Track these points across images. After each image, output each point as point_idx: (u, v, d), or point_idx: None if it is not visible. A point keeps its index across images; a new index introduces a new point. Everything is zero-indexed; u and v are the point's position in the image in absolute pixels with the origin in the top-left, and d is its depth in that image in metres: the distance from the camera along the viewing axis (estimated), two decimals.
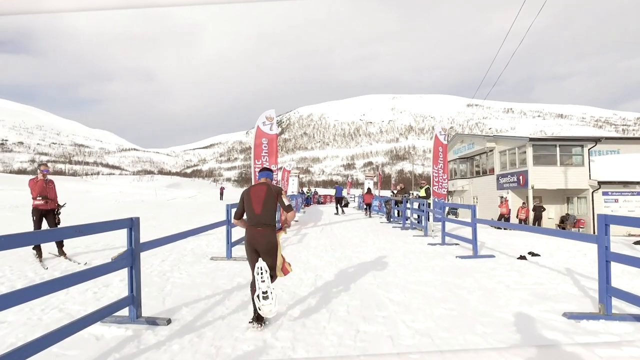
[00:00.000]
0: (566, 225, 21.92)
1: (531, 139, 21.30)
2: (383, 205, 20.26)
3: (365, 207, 21.96)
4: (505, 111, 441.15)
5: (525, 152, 21.76)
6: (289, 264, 4.33)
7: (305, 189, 40.75)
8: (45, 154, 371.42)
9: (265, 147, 11.38)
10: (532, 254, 8.29)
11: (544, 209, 19.68)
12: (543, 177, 21.22)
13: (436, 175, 11.81)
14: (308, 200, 33.03)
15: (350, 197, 41.34)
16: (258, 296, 3.66)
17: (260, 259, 3.86)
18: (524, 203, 20.75)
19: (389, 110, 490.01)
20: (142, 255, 7.54)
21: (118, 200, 34.96)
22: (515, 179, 22.60)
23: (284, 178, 28.23)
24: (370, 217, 20.74)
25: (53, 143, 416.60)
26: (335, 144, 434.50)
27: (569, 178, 21.11)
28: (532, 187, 21.15)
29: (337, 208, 22.66)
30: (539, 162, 21.48)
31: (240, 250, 8.51)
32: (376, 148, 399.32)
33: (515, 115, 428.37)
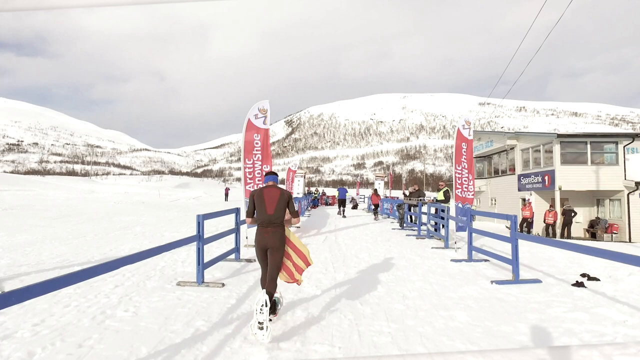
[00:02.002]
0: (596, 230, 19.91)
1: (559, 135, 19.32)
2: (395, 209, 18.49)
3: (373, 208, 20.63)
4: (517, 109, 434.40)
5: (551, 150, 19.79)
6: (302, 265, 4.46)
7: (313, 189, 39.08)
8: (59, 155, 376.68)
9: (257, 143, 9.73)
10: (588, 277, 6.51)
11: (575, 213, 17.73)
12: (571, 178, 19.25)
13: (459, 176, 10.02)
14: (315, 202, 31.34)
15: (360, 198, 39.56)
16: (252, 325, 3.81)
17: (262, 292, 3.90)
18: (551, 206, 18.79)
19: (399, 109, 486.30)
20: (98, 277, 6.04)
21: (117, 202, 33.69)
22: (540, 180, 20.64)
23: (289, 178, 26.66)
24: (377, 219, 19.57)
25: (67, 144, 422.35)
26: (345, 144, 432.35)
27: (600, 178, 19.11)
28: (560, 189, 19.19)
29: (341, 210, 21.68)
30: (567, 160, 19.51)
31: (218, 270, 6.92)
32: (387, 147, 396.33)
33: (528, 114, 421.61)
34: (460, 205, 9.83)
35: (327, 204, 35.10)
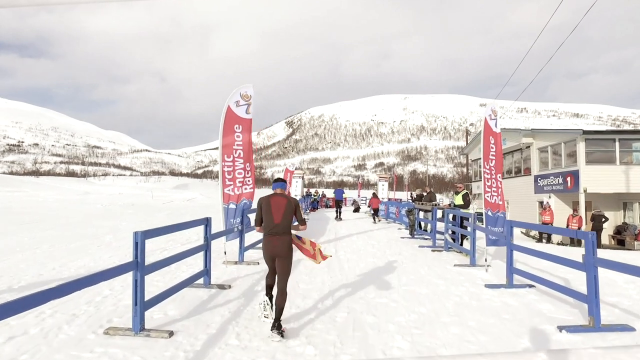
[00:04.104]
0: (625, 237, 18.01)
1: (585, 132, 17.42)
2: (402, 213, 16.62)
3: (372, 212, 19.81)
4: (519, 111, 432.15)
5: (574, 148, 17.90)
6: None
7: (312, 191, 37.10)
8: (60, 155, 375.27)
9: (238, 137, 7.85)
10: None
11: (606, 219, 15.83)
12: (598, 179, 17.35)
13: (488, 177, 8.14)
14: (314, 204, 29.43)
15: (362, 200, 37.59)
16: (259, 316, 4.34)
17: (264, 294, 4.43)
18: (575, 210, 16.89)
19: (400, 110, 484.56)
20: None
21: (107, 204, 31.83)
22: (561, 181, 18.75)
23: (285, 179, 24.81)
24: (376, 222, 18.41)
25: (67, 144, 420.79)
26: (346, 145, 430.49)
27: (630, 179, 17.22)
28: (585, 191, 17.29)
29: (337, 212, 20.52)
30: (593, 160, 17.62)
31: (175, 304, 5.06)
32: (387, 148, 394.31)
33: (530, 115, 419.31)
34: (490, 213, 7.93)
35: (327, 206, 33.13)
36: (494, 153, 8.43)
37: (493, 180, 8.24)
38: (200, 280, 6.06)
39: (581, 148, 17.44)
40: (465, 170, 37.00)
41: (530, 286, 6.25)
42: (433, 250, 10.01)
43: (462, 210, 10.41)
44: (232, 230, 7.60)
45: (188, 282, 5.53)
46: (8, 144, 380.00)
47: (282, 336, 4.04)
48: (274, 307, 4.23)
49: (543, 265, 8.20)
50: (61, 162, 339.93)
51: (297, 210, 4.47)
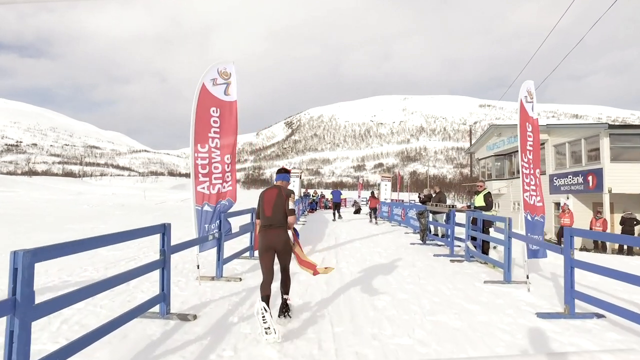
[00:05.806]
0: None
1: (610, 126, 15.88)
2: (409, 216, 15.06)
3: (370, 212, 19.23)
4: (517, 112, 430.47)
5: (597, 144, 16.35)
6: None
7: (311, 191, 35.48)
8: (58, 155, 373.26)
9: (215, 122, 6.25)
10: None
11: (638, 222, 14.26)
12: (623, 178, 15.81)
13: (527, 172, 6.57)
14: (313, 205, 27.85)
15: (362, 201, 36.02)
16: (260, 333, 3.72)
17: (258, 300, 3.80)
18: (598, 212, 15.33)
19: (400, 111, 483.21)
20: None
21: (95, 205, 30.21)
22: (581, 180, 17.20)
23: (290, 170, 23.32)
24: (376, 224, 17.76)
25: (66, 145, 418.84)
26: (345, 145, 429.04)
27: None
28: (610, 191, 15.74)
29: (334, 214, 19.96)
30: (618, 157, 16.08)
31: (110, 347, 3.46)
32: (387, 149, 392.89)
33: None
34: (529, 217, 6.36)
35: (326, 207, 31.50)
36: (532, 143, 6.86)
37: (532, 176, 6.67)
38: (156, 308, 4.49)
39: (605, 144, 15.89)
40: (467, 170, 35.44)
41: (599, 316, 4.67)
42: (452, 261, 8.42)
43: (484, 212, 8.86)
44: (207, 238, 6.02)
45: (137, 312, 3.98)
46: (6, 144, 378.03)
47: (290, 316, 4.31)
48: (272, 316, 3.76)
49: (589, 279, 6.66)
50: (59, 162, 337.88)
51: (287, 200, 4.30)
